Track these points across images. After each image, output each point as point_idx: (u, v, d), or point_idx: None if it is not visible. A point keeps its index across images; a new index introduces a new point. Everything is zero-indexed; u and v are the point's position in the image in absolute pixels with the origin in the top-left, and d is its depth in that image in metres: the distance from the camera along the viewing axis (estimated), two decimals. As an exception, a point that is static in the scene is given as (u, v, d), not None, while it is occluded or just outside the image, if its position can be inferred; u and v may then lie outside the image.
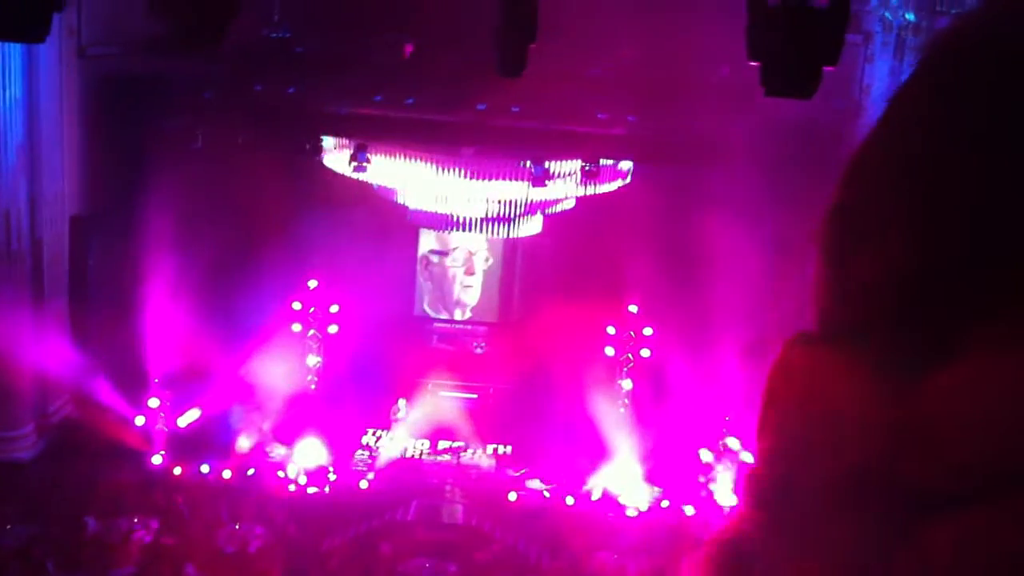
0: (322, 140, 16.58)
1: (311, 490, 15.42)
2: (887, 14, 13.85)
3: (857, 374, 0.64)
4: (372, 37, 14.66)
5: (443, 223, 17.06)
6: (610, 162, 16.42)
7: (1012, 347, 0.59)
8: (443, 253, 18.01)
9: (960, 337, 0.60)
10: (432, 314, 18.39)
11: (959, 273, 0.62)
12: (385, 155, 16.37)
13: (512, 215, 16.74)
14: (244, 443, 15.85)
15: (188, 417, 15.95)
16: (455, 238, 17.68)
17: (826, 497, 0.64)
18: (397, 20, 14.13)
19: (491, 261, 18.35)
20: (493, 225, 16.93)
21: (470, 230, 17.14)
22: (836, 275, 0.70)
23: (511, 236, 17.34)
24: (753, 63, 9.48)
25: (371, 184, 16.85)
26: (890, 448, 0.61)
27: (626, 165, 16.77)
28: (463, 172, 16.22)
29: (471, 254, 18.02)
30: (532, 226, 17.18)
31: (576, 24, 12.64)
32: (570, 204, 16.92)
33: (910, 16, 13.61)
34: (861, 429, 0.63)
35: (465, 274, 18.08)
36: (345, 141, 16.38)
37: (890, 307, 0.65)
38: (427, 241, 18.04)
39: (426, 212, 16.97)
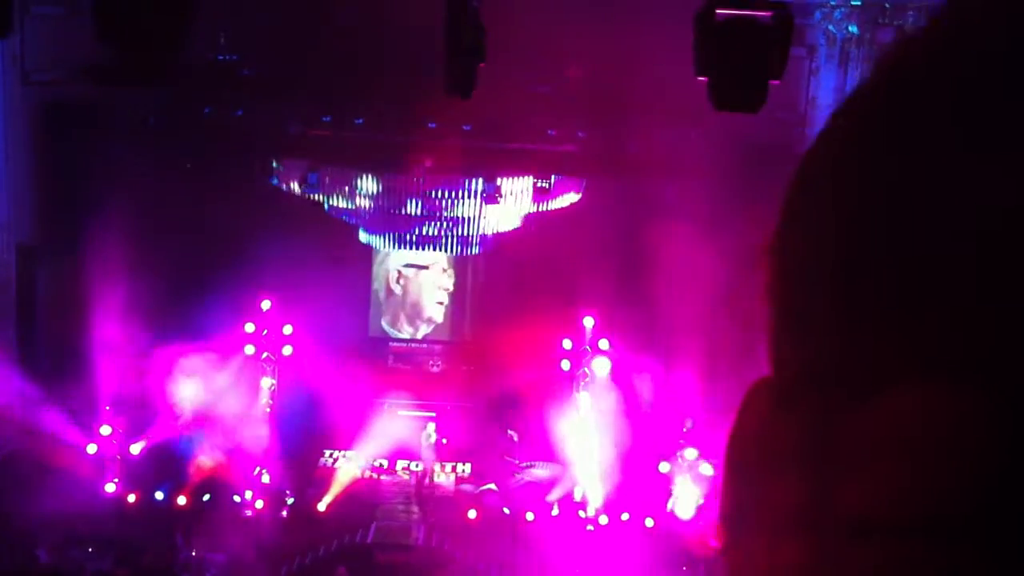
0: (272, 162, 16.49)
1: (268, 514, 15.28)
2: (831, 27, 14.03)
3: (800, 407, 0.64)
4: (319, 58, 14.61)
5: (397, 241, 17.04)
6: (559, 178, 16.52)
7: (938, 376, 0.59)
8: (421, 267, 17.96)
9: (901, 360, 0.60)
10: (392, 332, 18.31)
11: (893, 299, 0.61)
12: (335, 176, 16.34)
13: (466, 233, 16.76)
14: (198, 468, 15.66)
15: (140, 444, 15.75)
16: (433, 253, 17.66)
17: (770, 525, 0.65)
18: (345, 41, 14.09)
19: (452, 278, 18.36)
20: (446, 242, 16.95)
21: (423, 248, 17.13)
22: (780, 306, 0.69)
23: (465, 253, 17.35)
24: (701, 78, 9.60)
25: (322, 204, 16.78)
26: (828, 477, 0.61)
27: (578, 181, 16.85)
28: (416, 190, 16.23)
29: (444, 269, 18.07)
30: (485, 242, 17.20)
31: (524, 41, 12.68)
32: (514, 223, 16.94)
33: (853, 29, 13.80)
34: (802, 460, 0.63)
35: (439, 289, 18.09)
36: (295, 162, 16.32)
37: (828, 335, 0.64)
38: (401, 256, 17.95)
39: (380, 230, 16.94)
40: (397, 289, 18.18)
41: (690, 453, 15.68)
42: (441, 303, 18.17)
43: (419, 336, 18.36)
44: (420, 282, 18.10)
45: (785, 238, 0.68)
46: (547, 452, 16.28)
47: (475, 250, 17.22)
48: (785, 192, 0.69)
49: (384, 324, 18.38)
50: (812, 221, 0.66)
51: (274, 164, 16.54)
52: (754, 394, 0.69)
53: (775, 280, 0.68)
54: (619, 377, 16.40)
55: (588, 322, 16.66)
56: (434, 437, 16.52)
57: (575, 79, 15.21)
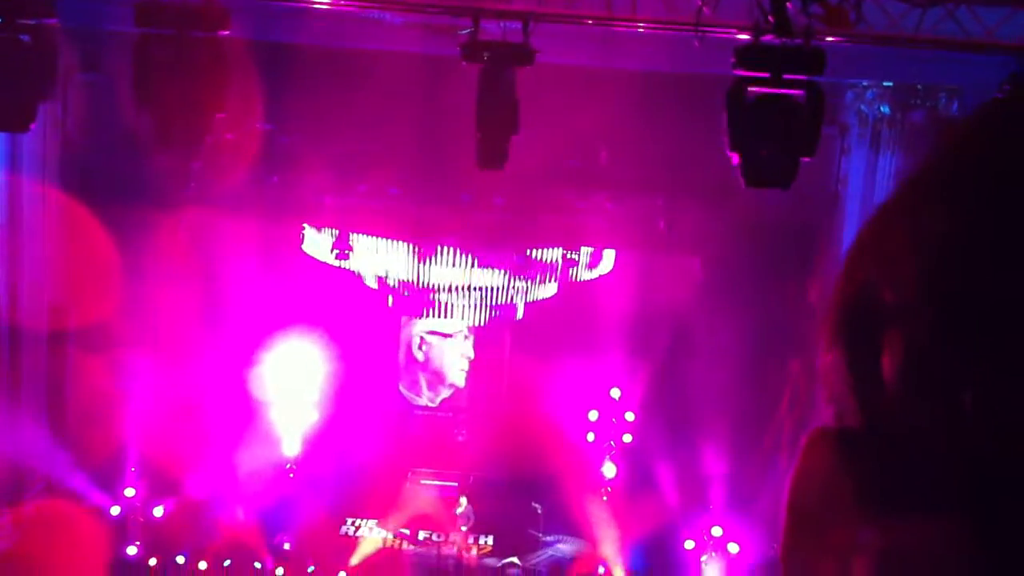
0: (304, 229, 16.65)
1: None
2: (863, 107, 14.10)
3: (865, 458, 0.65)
4: (354, 128, 14.81)
5: (426, 310, 17.09)
6: (591, 250, 16.58)
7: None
8: (444, 335, 17.97)
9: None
10: (411, 397, 18.29)
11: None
12: (367, 244, 16.47)
13: (495, 302, 16.81)
14: (221, 533, 15.60)
15: (163, 507, 15.73)
16: (456, 321, 17.69)
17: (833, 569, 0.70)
18: (380, 111, 14.29)
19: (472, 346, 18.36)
20: (476, 311, 16.99)
21: (451, 317, 17.16)
22: (856, 363, 0.69)
23: (493, 323, 17.38)
24: (731, 154, 9.64)
25: (352, 271, 16.89)
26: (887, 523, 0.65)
27: (608, 254, 16.90)
28: (447, 260, 16.34)
29: (467, 337, 18.07)
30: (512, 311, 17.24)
31: (557, 115, 12.82)
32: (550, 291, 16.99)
33: (885, 109, 13.85)
34: (862, 505, 0.67)
35: (461, 356, 18.08)
36: (327, 230, 16.48)
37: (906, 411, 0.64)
38: (424, 323, 17.98)
39: (409, 298, 17.01)
40: (419, 356, 18.19)
41: (716, 531, 15.46)
42: (463, 370, 18.14)
43: (438, 402, 18.32)
44: (443, 349, 18.10)
45: (865, 297, 0.68)
46: (571, 526, 16.10)
47: (503, 320, 17.24)
48: (860, 250, 0.70)
49: (402, 389, 18.36)
50: (901, 282, 0.66)
51: (306, 231, 16.69)
52: (816, 442, 0.69)
53: (848, 333, 0.68)
54: (645, 450, 16.26)
55: (615, 393, 16.58)
56: (464, 507, 16.36)
57: (608, 155, 15.34)
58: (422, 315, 17.44)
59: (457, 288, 16.73)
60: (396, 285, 16.99)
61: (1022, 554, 0.58)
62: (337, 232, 16.34)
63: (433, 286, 16.72)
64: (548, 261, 16.51)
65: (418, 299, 17.02)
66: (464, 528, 16.30)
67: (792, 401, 13.94)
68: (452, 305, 16.89)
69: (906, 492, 0.63)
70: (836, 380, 0.69)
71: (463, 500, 16.41)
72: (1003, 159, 0.65)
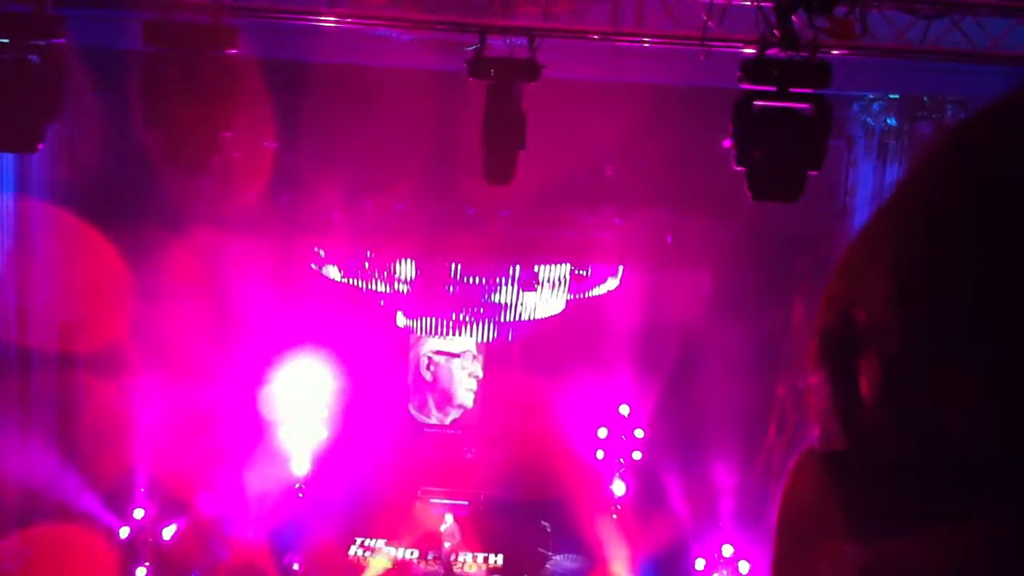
0: (313, 246, 16.67)
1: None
2: (869, 119, 14.12)
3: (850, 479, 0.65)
4: (361, 145, 14.85)
5: (434, 326, 17.09)
6: (596, 265, 16.58)
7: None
8: (452, 355, 17.96)
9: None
10: (419, 417, 18.28)
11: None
12: (375, 261, 16.48)
13: (504, 319, 16.80)
14: (230, 554, 15.56)
15: (173, 528, 15.70)
16: (464, 340, 17.68)
17: None
18: (387, 127, 14.34)
19: (482, 364, 18.34)
20: (483, 328, 16.97)
21: (460, 334, 17.15)
22: (836, 386, 0.70)
23: (501, 340, 17.36)
24: (738, 168, 9.66)
25: (361, 288, 16.90)
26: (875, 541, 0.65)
27: (616, 269, 16.90)
28: (454, 277, 16.33)
29: (475, 356, 18.05)
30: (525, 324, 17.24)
31: (563, 129, 12.85)
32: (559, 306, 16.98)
33: (891, 121, 13.87)
34: (849, 524, 0.67)
35: (469, 376, 18.06)
36: (335, 246, 16.50)
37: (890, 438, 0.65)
38: (432, 342, 17.99)
39: (418, 315, 17.02)
40: (427, 375, 18.18)
41: (727, 549, 15.38)
42: (471, 390, 18.12)
43: (447, 422, 18.30)
44: (451, 369, 18.08)
45: (844, 318, 0.69)
46: (581, 545, 16.03)
47: (511, 336, 17.23)
48: (839, 274, 0.71)
49: (411, 409, 18.36)
50: (875, 304, 0.67)
51: (315, 249, 16.72)
52: (803, 463, 0.69)
53: (827, 356, 0.69)
54: (654, 468, 16.21)
55: (624, 410, 16.54)
56: (449, 524, 16.29)
57: (612, 170, 15.36)
58: (431, 332, 17.44)
59: (466, 304, 16.72)
60: (404, 301, 16.99)
61: (1004, 567, 0.58)
62: (345, 249, 16.35)
63: (442, 302, 16.70)
64: (556, 277, 16.50)
65: (426, 315, 17.00)
66: (448, 545, 16.25)
67: (782, 422, 13.91)
68: (461, 321, 16.88)
69: (888, 511, 0.63)
70: (820, 402, 0.70)
71: (448, 517, 16.37)
72: (970, 180, 0.66)
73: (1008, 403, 0.59)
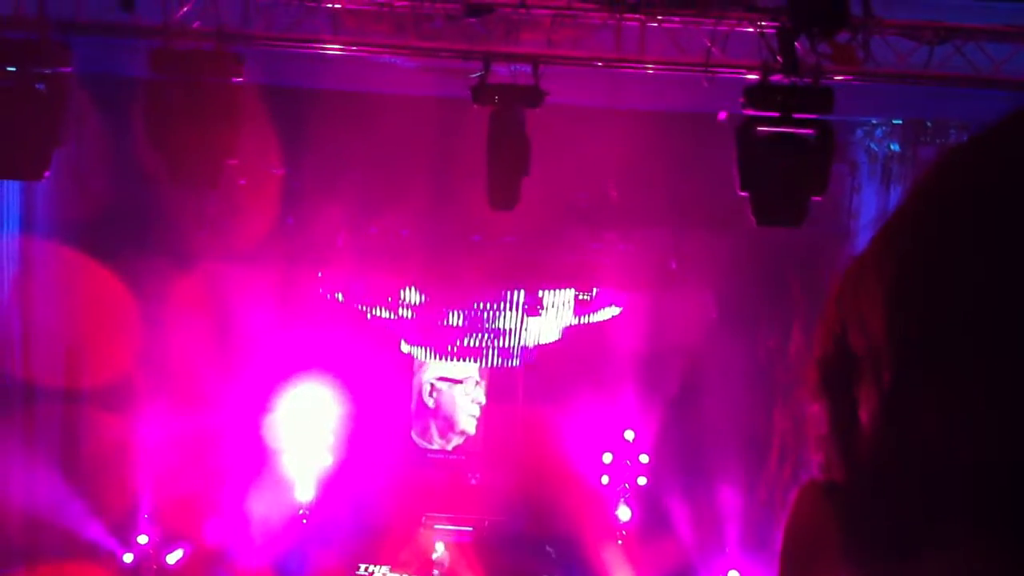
0: (317, 272, 16.69)
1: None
2: (872, 144, 14.15)
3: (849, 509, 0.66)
4: (366, 170, 14.91)
5: (439, 352, 17.07)
6: (600, 290, 16.58)
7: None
8: (455, 381, 17.93)
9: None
10: (421, 443, 18.24)
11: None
12: (379, 286, 16.49)
13: (508, 344, 16.78)
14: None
15: (177, 554, 15.65)
16: (466, 366, 17.66)
17: None
18: (391, 153, 14.40)
19: (484, 390, 18.31)
20: (487, 354, 16.96)
21: (464, 360, 17.13)
22: (835, 415, 0.70)
23: (505, 365, 17.34)
24: (742, 193, 9.68)
25: (364, 314, 16.90)
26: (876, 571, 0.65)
27: (619, 294, 16.90)
28: (458, 302, 16.33)
29: (478, 383, 18.02)
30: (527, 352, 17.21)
31: (567, 154, 12.90)
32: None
33: (895, 146, 13.90)
34: (849, 555, 0.66)
35: (472, 403, 18.02)
36: (340, 272, 16.51)
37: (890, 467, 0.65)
38: (435, 368, 17.96)
39: (421, 341, 17.00)
40: (430, 402, 18.15)
41: (733, 575, 15.31)
42: (473, 416, 18.08)
43: (450, 448, 18.25)
44: (453, 395, 18.05)
45: (840, 345, 0.69)
46: (586, 571, 15.96)
47: (515, 362, 17.20)
48: (834, 301, 0.71)
49: (413, 435, 18.31)
50: (873, 329, 0.67)
51: (319, 274, 16.74)
52: (805, 493, 0.70)
53: (825, 384, 0.69)
54: (659, 493, 16.15)
55: (629, 435, 16.50)
56: (441, 554, 16.23)
57: (616, 195, 15.40)
58: (434, 358, 17.41)
59: (470, 330, 16.71)
60: (408, 327, 16.98)
61: None
62: (350, 274, 16.37)
63: (446, 328, 16.69)
64: (560, 302, 16.49)
65: (430, 341, 16.99)
66: (437, 573, 16.19)
67: (784, 450, 13.88)
68: (465, 347, 16.86)
69: (889, 539, 0.64)
70: (819, 431, 0.70)
71: (439, 546, 16.29)
72: (965, 200, 0.66)
73: (1009, 407, 0.59)
